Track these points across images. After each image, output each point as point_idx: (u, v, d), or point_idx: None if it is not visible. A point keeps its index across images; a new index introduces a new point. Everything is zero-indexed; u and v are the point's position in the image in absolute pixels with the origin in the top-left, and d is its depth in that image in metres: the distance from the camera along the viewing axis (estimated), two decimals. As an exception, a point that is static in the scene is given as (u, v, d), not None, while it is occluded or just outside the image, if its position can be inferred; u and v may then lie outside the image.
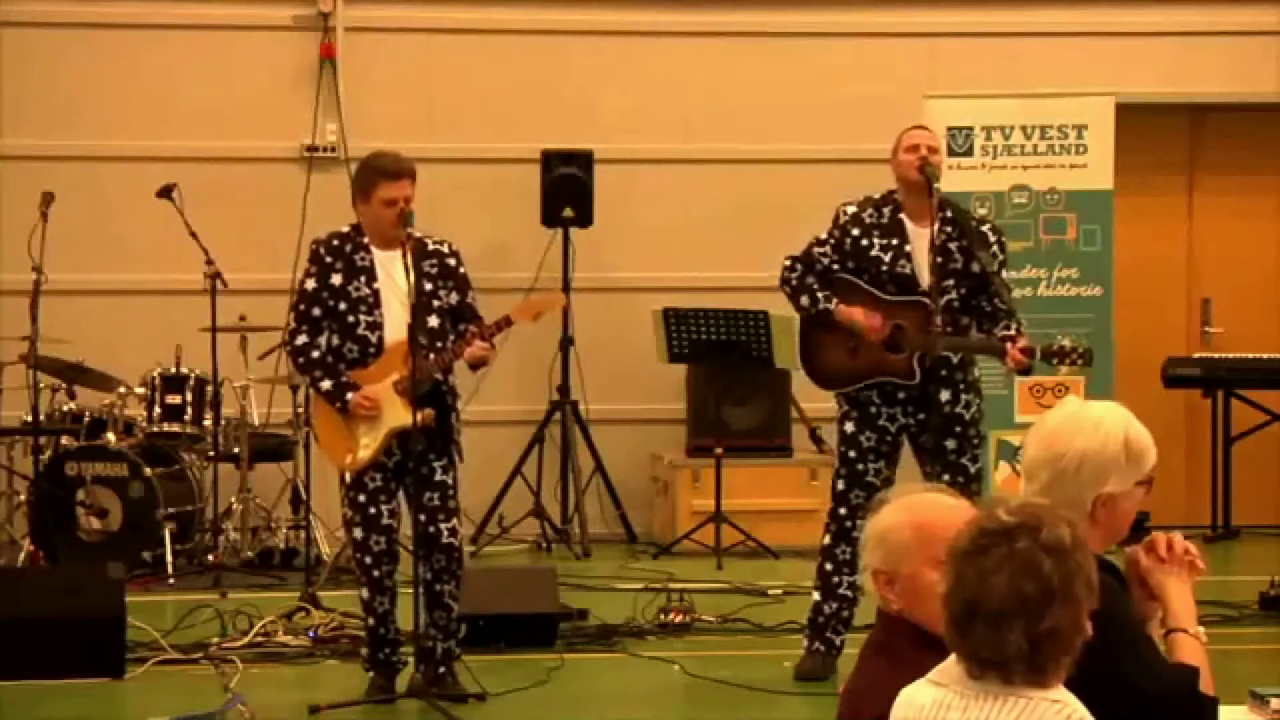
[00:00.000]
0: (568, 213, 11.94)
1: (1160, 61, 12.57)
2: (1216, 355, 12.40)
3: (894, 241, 7.94)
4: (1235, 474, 12.28)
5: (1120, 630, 3.80)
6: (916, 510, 3.70)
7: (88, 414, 10.99)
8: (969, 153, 11.16)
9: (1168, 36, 12.57)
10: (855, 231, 8.00)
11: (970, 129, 11.19)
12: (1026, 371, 8.22)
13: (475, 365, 7.76)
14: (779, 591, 10.01)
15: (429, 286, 7.63)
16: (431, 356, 7.58)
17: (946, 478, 7.71)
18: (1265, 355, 12.32)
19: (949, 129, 11.07)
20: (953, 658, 3.23)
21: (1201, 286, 12.88)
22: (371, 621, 7.75)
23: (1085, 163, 11.17)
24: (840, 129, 12.16)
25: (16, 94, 11.94)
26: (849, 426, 8.01)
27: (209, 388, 10.79)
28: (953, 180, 10.53)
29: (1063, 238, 11.19)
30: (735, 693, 7.94)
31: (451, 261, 7.76)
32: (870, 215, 8.01)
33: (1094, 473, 3.86)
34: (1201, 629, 3.92)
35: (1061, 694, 3.16)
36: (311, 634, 8.79)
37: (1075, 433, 3.89)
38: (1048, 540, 3.08)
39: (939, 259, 7.86)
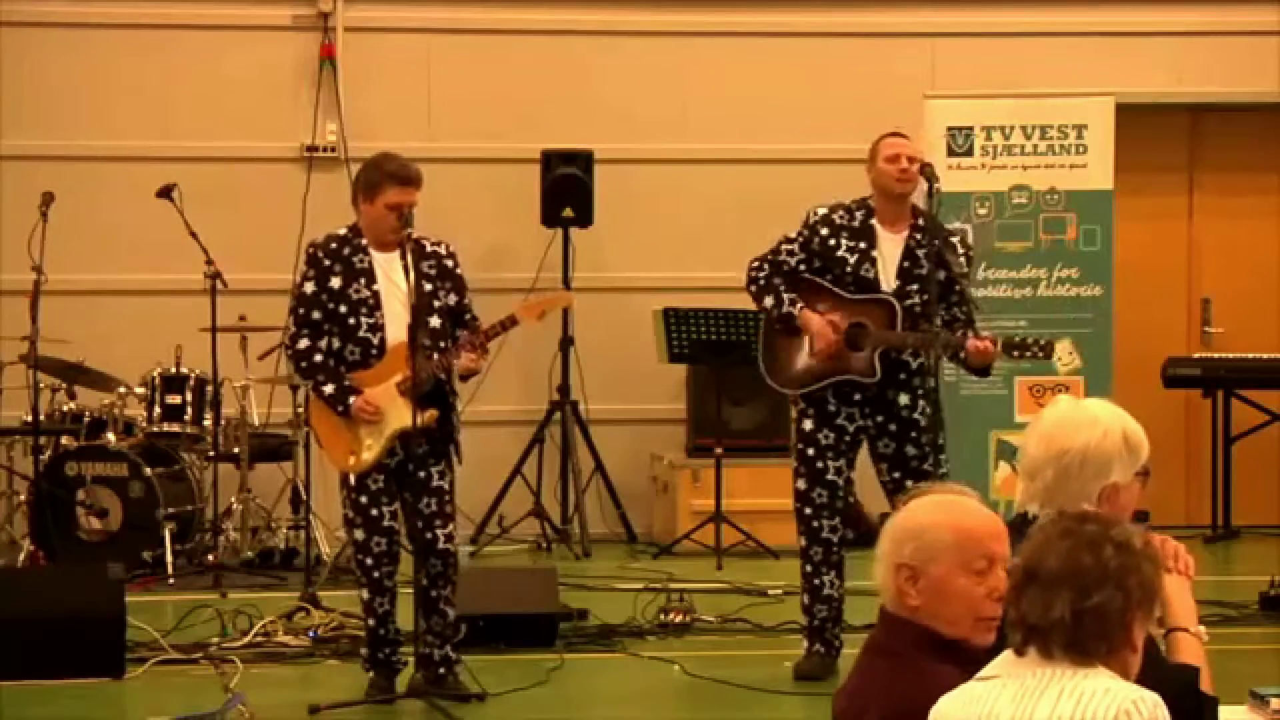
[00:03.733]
0: (568, 213, 11.94)
1: (1160, 61, 12.58)
2: (1216, 355, 12.40)
3: (861, 245, 7.99)
4: (1235, 474, 12.28)
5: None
6: (959, 513, 3.66)
7: (88, 414, 10.98)
8: (969, 153, 11.14)
9: (1168, 36, 12.58)
10: (824, 231, 8.06)
11: (970, 129, 11.18)
12: (985, 371, 8.21)
13: (465, 376, 7.74)
14: (779, 591, 10.00)
15: (428, 287, 7.62)
16: (434, 356, 7.58)
17: (909, 484, 7.70)
18: (1265, 355, 12.32)
19: (949, 129, 11.07)
20: (1001, 656, 3.24)
21: (1201, 286, 12.88)
22: (372, 622, 7.75)
23: (1085, 163, 11.15)
24: (840, 129, 12.13)
25: (16, 94, 11.94)
26: (807, 424, 8.06)
27: (209, 388, 10.79)
28: (953, 180, 10.54)
29: (1063, 238, 11.18)
30: (735, 693, 7.94)
31: (449, 263, 7.75)
32: (841, 217, 8.07)
33: (1098, 466, 3.89)
34: (1203, 628, 3.92)
35: (1115, 678, 3.20)
36: (311, 634, 8.79)
37: (1075, 429, 3.92)
38: (1117, 535, 3.21)
39: (906, 264, 7.92)
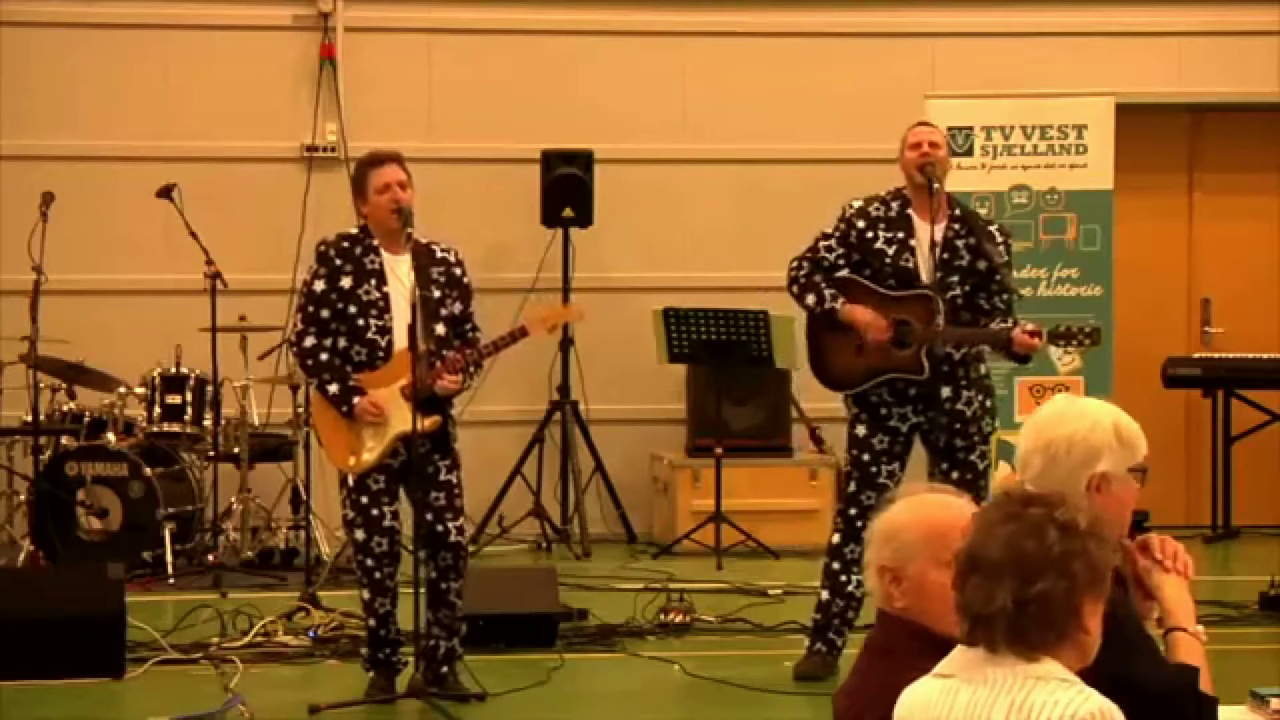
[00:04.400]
0: (568, 213, 11.94)
1: (1160, 61, 12.58)
2: (1216, 355, 12.40)
3: (899, 235, 7.96)
4: (1235, 474, 12.29)
5: (1120, 630, 3.81)
6: (927, 509, 3.71)
7: (88, 414, 10.98)
8: (969, 153, 11.15)
9: (1168, 36, 12.58)
10: (861, 224, 8.02)
11: (970, 129, 11.18)
12: (1027, 359, 8.19)
13: (445, 396, 7.71)
14: (779, 591, 10.01)
15: (436, 294, 7.62)
16: (437, 364, 7.58)
17: (955, 475, 7.74)
18: (1265, 355, 12.32)
19: (949, 129, 11.02)
20: (955, 650, 3.23)
21: (1201, 286, 12.88)
22: (373, 622, 7.75)
23: (1085, 163, 11.16)
24: (840, 129, 12.16)
25: (16, 94, 11.94)
26: (860, 430, 8.02)
27: (209, 388, 10.79)
28: (953, 180, 10.45)
29: (1063, 238, 11.19)
30: (735, 693, 7.94)
31: (457, 270, 7.77)
32: (877, 209, 8.03)
33: (1085, 453, 3.89)
34: (1201, 628, 3.92)
35: (1070, 677, 3.15)
36: (311, 634, 8.79)
37: (1065, 420, 3.94)
38: (1061, 516, 3.14)
39: (945, 255, 7.89)
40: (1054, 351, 10.67)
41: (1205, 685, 3.84)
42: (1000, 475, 10.79)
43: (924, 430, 8.02)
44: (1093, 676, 3.73)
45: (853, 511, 8.00)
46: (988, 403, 8.07)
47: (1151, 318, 12.52)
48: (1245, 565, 11.10)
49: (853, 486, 8.04)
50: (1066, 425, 3.92)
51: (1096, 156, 11.15)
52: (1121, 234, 11.45)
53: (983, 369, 8.10)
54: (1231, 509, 12.24)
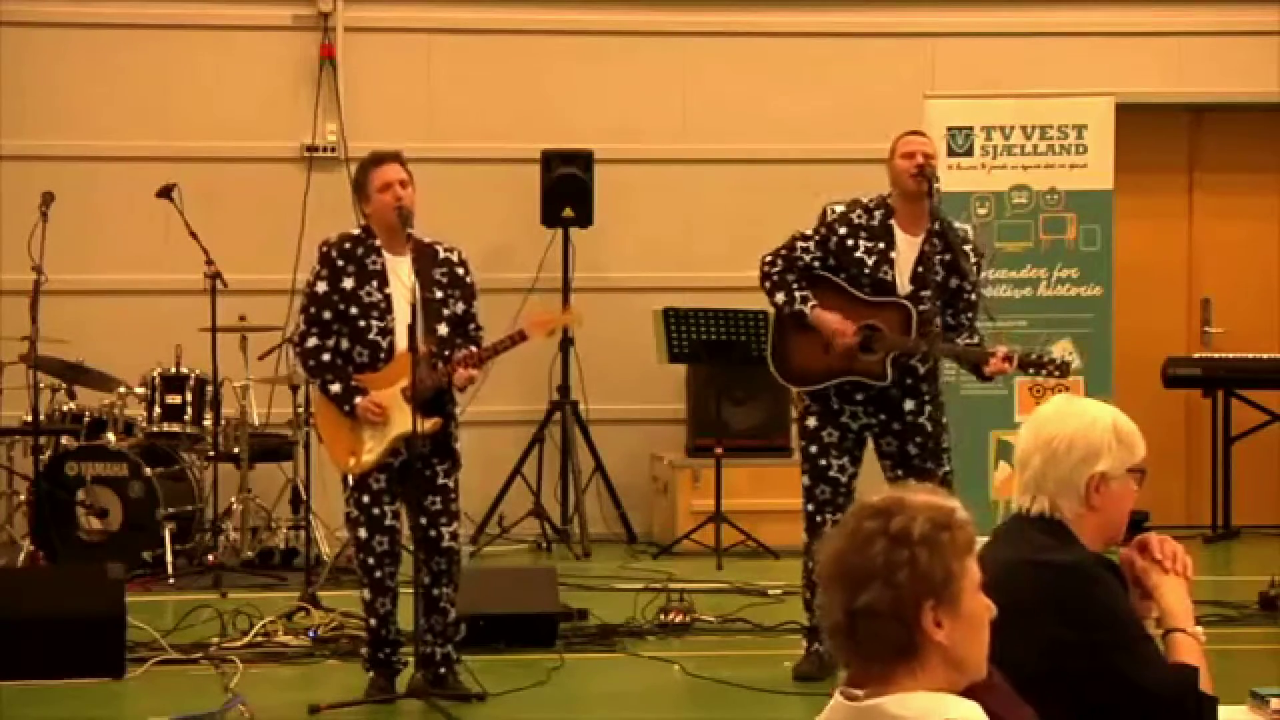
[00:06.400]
0: (568, 213, 11.94)
1: (1160, 61, 12.58)
2: (1216, 355, 12.41)
3: (880, 246, 7.95)
4: (1235, 474, 12.29)
5: (1121, 630, 3.81)
6: None
7: (88, 414, 10.99)
8: (969, 153, 11.15)
9: (1168, 36, 12.58)
10: (842, 230, 8.01)
11: (970, 129, 11.18)
12: (992, 379, 8.18)
13: (462, 388, 7.76)
14: (779, 591, 10.00)
15: (439, 294, 7.63)
16: (439, 365, 7.58)
17: (912, 482, 7.68)
18: (1265, 355, 12.33)
19: (949, 129, 11.07)
20: (839, 692, 3.11)
21: (1201, 286, 12.89)
22: (373, 622, 7.75)
23: (1085, 163, 11.16)
24: (840, 129, 12.16)
25: (16, 94, 11.94)
26: (811, 421, 8.05)
27: (209, 388, 10.79)
28: (953, 180, 10.55)
29: (1063, 238, 11.18)
30: (735, 693, 7.94)
31: (460, 270, 7.77)
32: (859, 216, 8.02)
33: (1085, 451, 3.89)
34: (1200, 628, 3.93)
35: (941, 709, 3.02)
36: (311, 634, 8.79)
37: (1064, 419, 3.95)
38: (893, 526, 3.04)
39: (920, 269, 7.89)
40: (1057, 351, 10.69)
41: (1205, 685, 3.84)
42: (1001, 477, 10.81)
43: (875, 434, 8.04)
44: (1092, 675, 3.74)
45: (810, 507, 8.05)
46: (943, 418, 8.07)
47: (1151, 318, 12.52)
48: (1245, 565, 11.10)
49: (806, 480, 8.06)
50: (1066, 424, 3.93)
51: (1096, 156, 11.14)
52: (1121, 234, 11.45)
53: (938, 384, 8.10)
54: (1231, 509, 12.24)
